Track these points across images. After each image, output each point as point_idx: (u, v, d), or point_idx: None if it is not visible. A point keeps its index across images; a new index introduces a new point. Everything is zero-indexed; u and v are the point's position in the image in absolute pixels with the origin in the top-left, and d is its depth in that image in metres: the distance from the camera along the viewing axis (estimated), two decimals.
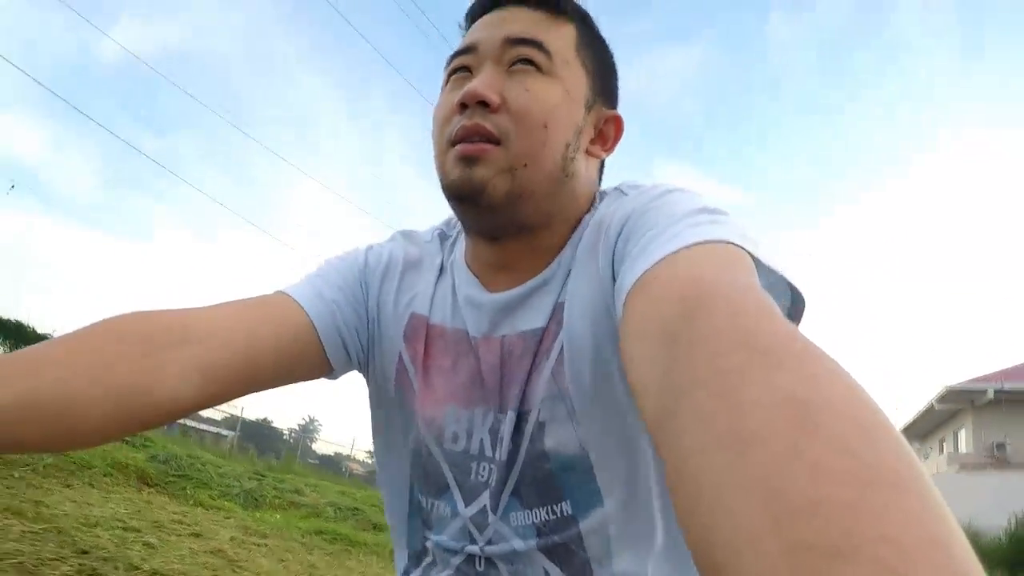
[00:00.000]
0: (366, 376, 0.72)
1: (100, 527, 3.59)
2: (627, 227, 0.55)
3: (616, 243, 0.56)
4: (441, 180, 0.60)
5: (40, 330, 11.79)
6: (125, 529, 3.79)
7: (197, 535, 4.27)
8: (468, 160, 0.57)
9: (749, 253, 0.46)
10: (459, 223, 0.72)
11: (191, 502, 5.72)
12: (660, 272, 0.44)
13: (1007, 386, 16.13)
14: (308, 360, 0.63)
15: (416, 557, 0.71)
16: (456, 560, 0.65)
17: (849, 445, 0.22)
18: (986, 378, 16.73)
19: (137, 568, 3.00)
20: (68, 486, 4.62)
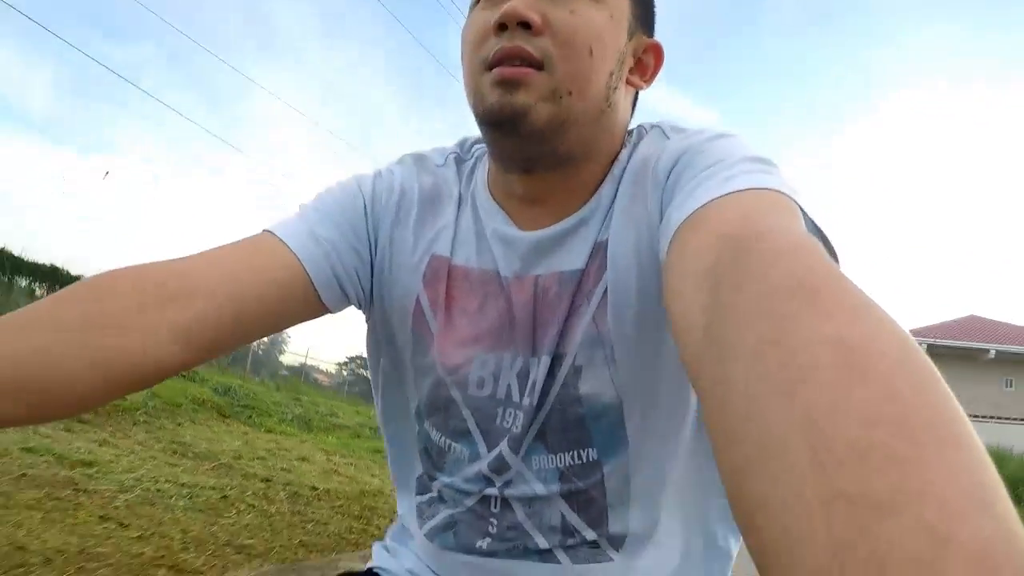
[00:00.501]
0: (367, 314, 0.69)
1: (245, 458, 4.76)
2: (677, 167, 0.54)
3: (666, 183, 0.55)
4: (475, 106, 0.57)
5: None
6: (262, 458, 4.99)
7: (304, 459, 5.50)
8: (508, 84, 0.53)
9: (797, 204, 0.46)
10: (478, 148, 0.71)
11: (263, 429, 6.92)
12: (710, 212, 0.44)
13: (938, 342, 18.20)
14: (301, 305, 0.60)
15: (422, 495, 0.70)
16: (469, 501, 0.64)
17: (896, 393, 0.22)
18: (916, 332, 18.60)
19: (316, 488, 4.22)
20: (179, 424, 5.72)
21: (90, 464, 3.48)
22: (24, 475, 3.01)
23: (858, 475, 0.19)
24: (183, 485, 3.52)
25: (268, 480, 4.13)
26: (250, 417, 7.15)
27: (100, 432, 4.52)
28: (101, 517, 2.71)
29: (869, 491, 0.19)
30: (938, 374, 0.24)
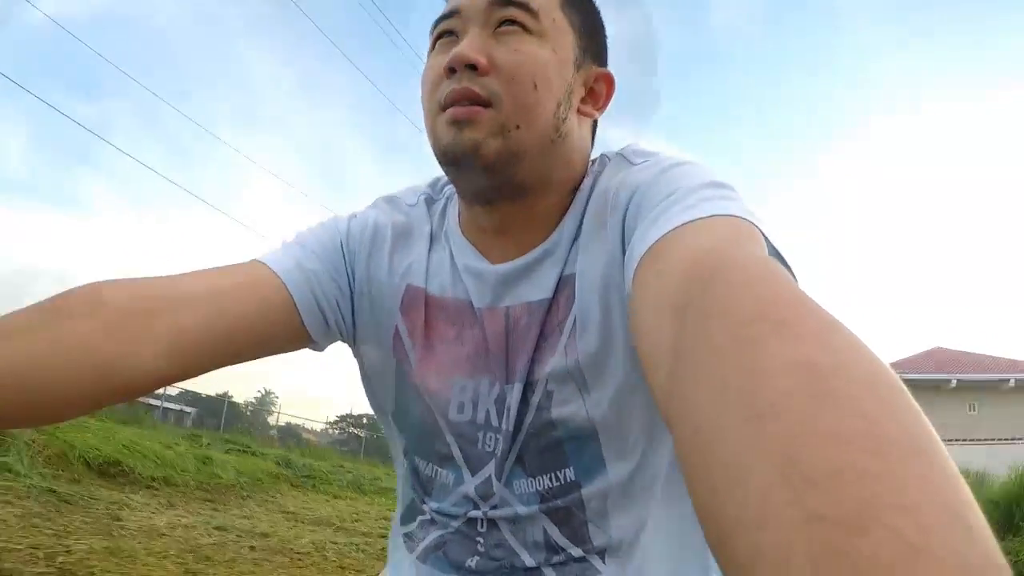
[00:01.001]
0: (352, 347, 0.72)
1: (347, 520, 5.93)
2: (636, 197, 0.56)
3: (626, 214, 0.56)
4: (433, 145, 0.60)
5: None
6: (358, 520, 6.16)
7: (384, 517, 6.64)
8: (459, 123, 0.57)
9: (758, 228, 0.47)
10: (448, 187, 0.74)
11: (330, 495, 8.04)
12: (671, 243, 0.45)
13: (906, 375, 19.75)
14: (285, 331, 0.63)
15: (412, 522, 0.72)
16: (456, 523, 0.67)
17: (866, 412, 0.22)
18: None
19: None
20: (272, 497, 6.80)
21: (265, 535, 4.66)
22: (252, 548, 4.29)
23: (831, 494, 0.20)
24: (338, 543, 4.76)
25: (375, 535, 5.34)
26: (313, 485, 8.28)
27: (232, 508, 5.67)
28: (339, 567, 3.91)
29: (843, 509, 0.19)
30: (907, 392, 0.24)
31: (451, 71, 0.58)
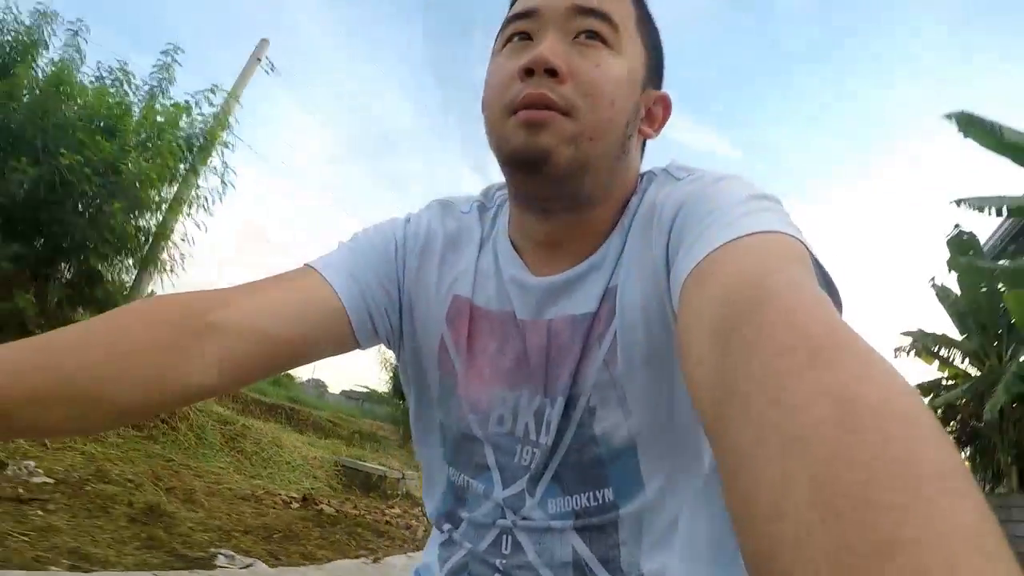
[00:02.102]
0: (397, 352, 0.72)
1: None
2: (681, 214, 0.55)
3: (671, 230, 0.56)
4: (499, 148, 0.59)
5: None
6: None
7: None
8: (533, 126, 0.56)
9: (802, 243, 0.46)
10: (499, 195, 0.73)
11: None
12: (715, 264, 0.45)
13: None
14: (335, 340, 0.64)
15: (443, 535, 0.72)
16: (485, 541, 0.67)
17: (896, 444, 0.23)
18: None
19: None
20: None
21: None
22: None
23: (859, 528, 0.20)
24: None
25: None
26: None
27: None
28: None
29: (872, 542, 0.20)
30: (935, 421, 0.25)
31: (528, 73, 0.57)
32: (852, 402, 0.25)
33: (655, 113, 0.66)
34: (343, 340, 0.65)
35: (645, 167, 0.69)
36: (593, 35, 0.58)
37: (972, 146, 6.19)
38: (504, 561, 0.65)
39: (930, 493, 0.21)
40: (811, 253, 0.47)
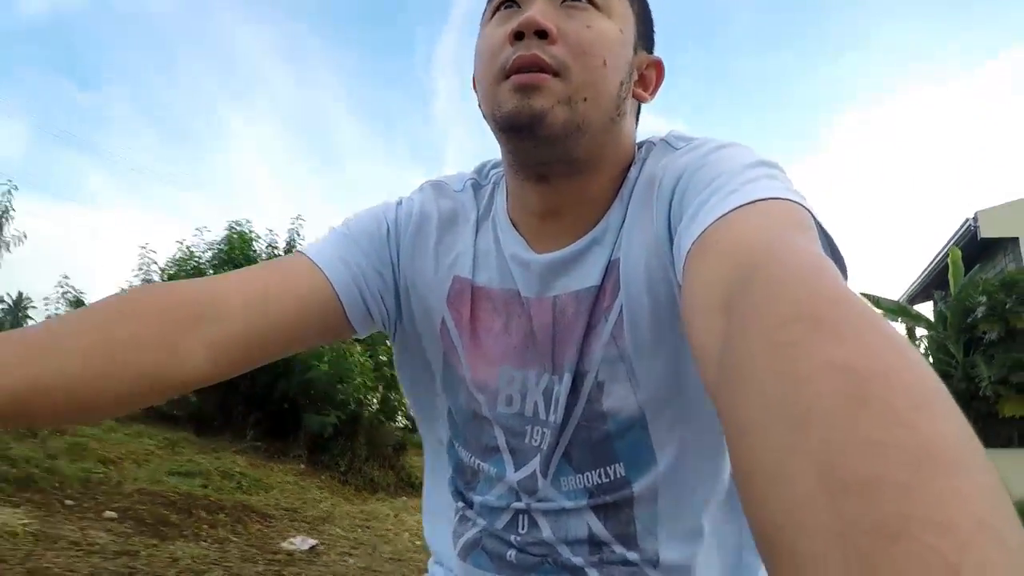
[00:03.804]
0: (393, 336, 0.71)
1: None
2: (681, 183, 0.55)
3: (672, 200, 0.55)
4: (492, 113, 0.59)
5: None
6: None
7: None
8: (525, 89, 0.55)
9: (806, 209, 0.46)
10: (494, 173, 0.72)
11: None
12: (718, 233, 0.44)
13: None
14: (328, 326, 0.63)
15: (454, 516, 0.71)
16: (500, 521, 0.66)
17: (905, 419, 0.22)
18: None
19: None
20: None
21: None
22: None
23: (866, 506, 0.20)
24: None
25: None
26: None
27: None
28: None
29: (878, 520, 0.19)
30: (950, 399, 0.24)
31: (518, 37, 0.56)
32: (859, 374, 0.24)
33: (648, 77, 0.66)
34: (337, 326, 0.64)
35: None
36: None
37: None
38: (519, 538, 0.65)
39: (939, 470, 0.20)
40: (815, 219, 0.46)
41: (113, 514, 3.65)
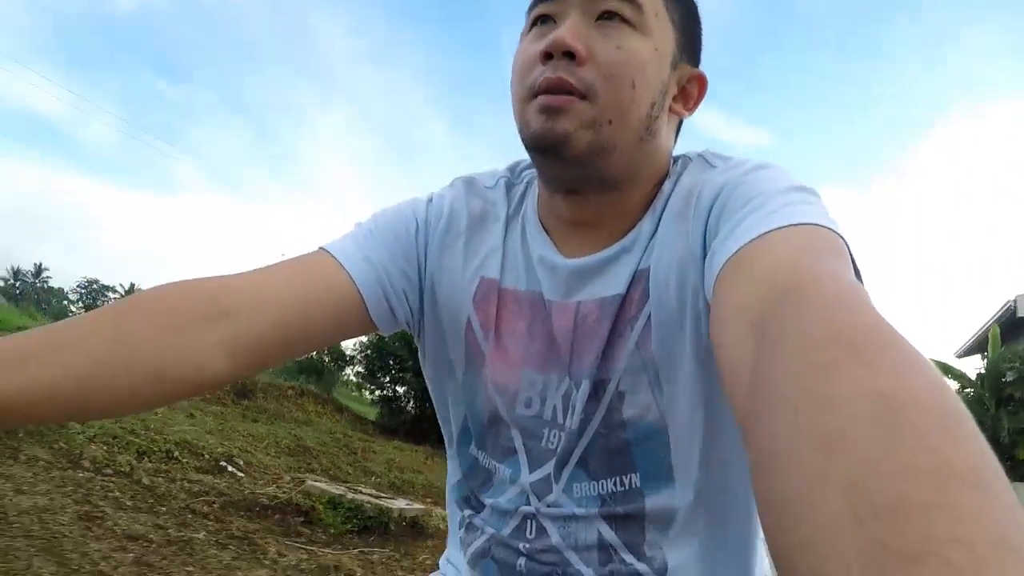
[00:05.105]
0: (417, 335, 0.71)
1: None
2: (720, 199, 0.55)
3: (708, 215, 0.56)
4: (521, 131, 0.59)
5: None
6: None
7: None
8: (551, 111, 0.56)
9: (841, 237, 0.46)
10: (528, 173, 0.73)
11: None
12: (753, 253, 0.45)
13: None
14: (351, 324, 0.63)
15: (465, 520, 0.72)
16: (509, 526, 0.66)
17: (931, 443, 0.23)
18: None
19: None
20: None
21: None
22: None
23: (893, 527, 0.20)
24: None
25: None
26: None
27: None
28: None
29: (903, 540, 0.20)
30: (972, 423, 0.24)
31: (547, 57, 0.57)
32: (890, 399, 0.25)
33: (689, 91, 0.65)
34: (360, 324, 0.64)
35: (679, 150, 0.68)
36: (616, 15, 0.57)
37: None
38: (528, 545, 0.65)
39: (962, 489, 0.21)
40: (849, 249, 0.46)
41: None
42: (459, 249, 0.68)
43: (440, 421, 0.75)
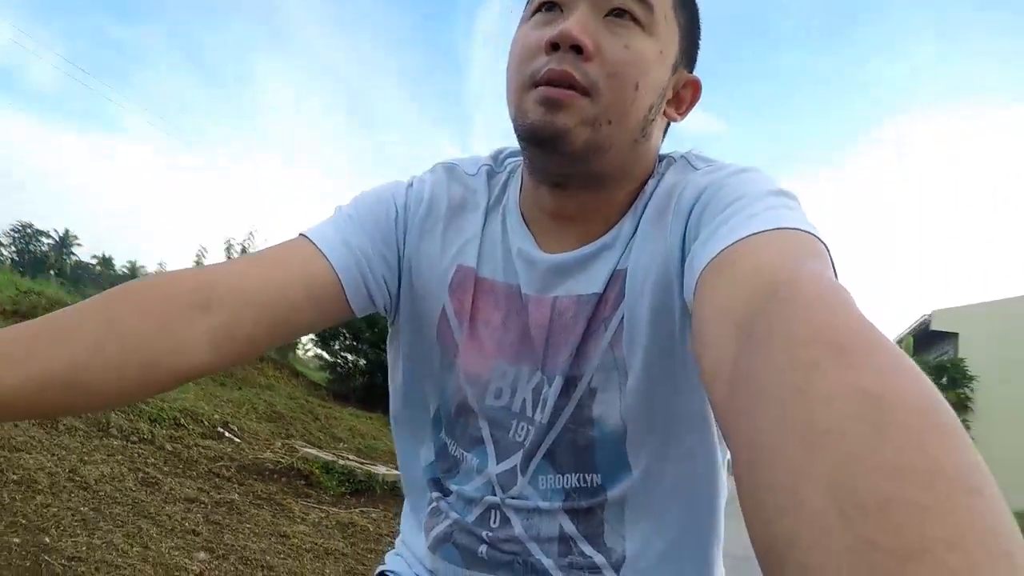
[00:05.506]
0: (391, 320, 0.72)
1: None
2: (701, 201, 0.55)
3: (689, 217, 0.56)
4: (516, 120, 0.59)
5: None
6: None
7: None
8: (551, 104, 0.55)
9: (821, 241, 0.46)
10: (511, 162, 0.72)
11: None
12: (736, 255, 0.45)
13: None
14: (330, 310, 0.64)
15: (428, 505, 0.73)
16: (472, 514, 0.68)
17: (920, 443, 0.23)
18: None
19: None
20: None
21: None
22: None
23: (882, 525, 0.20)
24: None
25: None
26: None
27: None
28: None
29: (892, 538, 0.20)
30: (959, 424, 0.24)
31: (553, 47, 0.56)
32: (876, 398, 0.25)
33: (683, 96, 0.65)
34: (338, 309, 0.64)
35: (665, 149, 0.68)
36: (626, 14, 0.57)
37: None
38: (491, 534, 0.67)
39: (955, 491, 0.21)
40: (829, 253, 0.47)
41: None
42: (437, 236, 0.69)
43: (399, 407, 0.76)
